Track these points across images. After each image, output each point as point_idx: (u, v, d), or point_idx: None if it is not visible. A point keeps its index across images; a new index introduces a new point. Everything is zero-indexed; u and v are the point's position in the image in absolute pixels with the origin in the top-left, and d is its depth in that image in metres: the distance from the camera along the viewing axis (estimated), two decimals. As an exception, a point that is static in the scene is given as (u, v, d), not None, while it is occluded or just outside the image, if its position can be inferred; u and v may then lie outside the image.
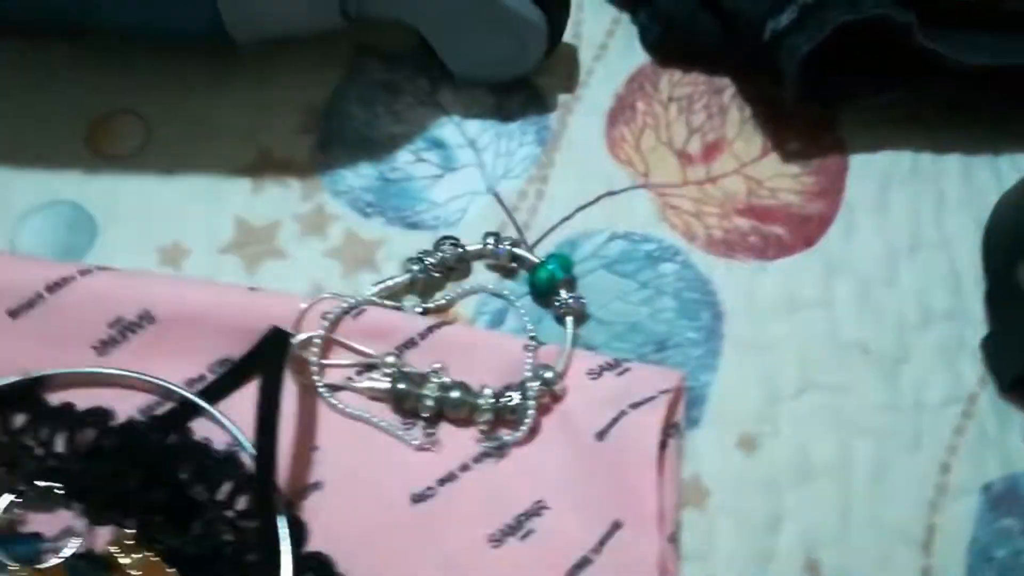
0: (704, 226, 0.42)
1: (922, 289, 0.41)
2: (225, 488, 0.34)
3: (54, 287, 0.35)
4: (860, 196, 0.43)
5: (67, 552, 0.32)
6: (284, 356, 0.34)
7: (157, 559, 0.32)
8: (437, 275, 0.39)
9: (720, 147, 0.44)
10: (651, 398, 0.35)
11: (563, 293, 0.39)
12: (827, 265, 0.42)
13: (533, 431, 0.36)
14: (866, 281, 0.41)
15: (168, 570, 0.32)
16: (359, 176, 0.41)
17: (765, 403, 0.39)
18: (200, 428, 0.35)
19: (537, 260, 0.39)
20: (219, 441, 0.35)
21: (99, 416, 0.34)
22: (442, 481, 0.35)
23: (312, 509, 0.34)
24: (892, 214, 0.43)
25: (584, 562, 0.33)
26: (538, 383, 0.36)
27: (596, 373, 0.37)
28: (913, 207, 0.43)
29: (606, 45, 0.46)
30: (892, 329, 0.41)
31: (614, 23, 0.47)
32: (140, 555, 0.32)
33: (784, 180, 0.43)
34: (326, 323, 0.37)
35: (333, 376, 0.37)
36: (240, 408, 0.34)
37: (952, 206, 0.43)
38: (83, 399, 0.35)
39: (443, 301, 0.39)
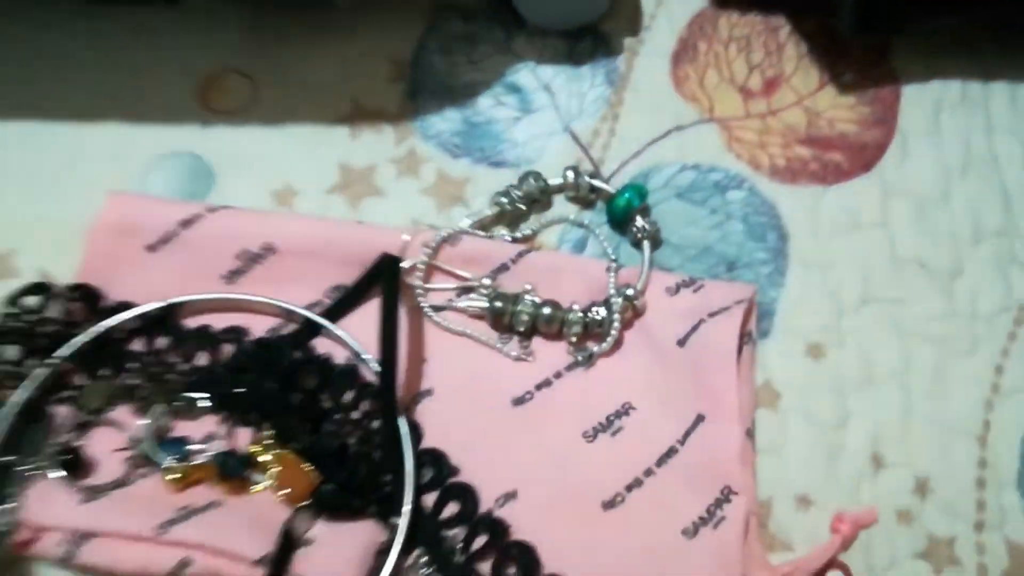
0: (768, 155, 0.45)
1: (974, 207, 0.44)
2: (348, 396, 0.38)
3: (186, 223, 0.40)
4: (913, 123, 0.46)
5: (213, 451, 0.36)
6: (398, 278, 0.38)
7: (293, 456, 0.36)
8: (522, 207, 0.43)
9: (779, 82, 0.47)
10: (727, 308, 0.38)
11: (639, 220, 0.42)
12: (884, 188, 0.45)
13: (618, 343, 0.40)
14: (921, 202, 0.44)
15: (303, 465, 0.36)
16: (446, 120, 0.45)
17: (830, 315, 0.42)
18: (320, 346, 0.39)
19: (613, 191, 0.43)
20: (338, 356, 0.39)
21: (236, 334, 0.38)
22: (538, 387, 0.39)
23: (424, 413, 0.38)
24: (944, 138, 0.46)
25: (671, 452, 0.37)
26: (621, 299, 0.39)
27: (673, 290, 0.40)
28: (963, 131, 0.46)
29: (667, -8, 0.49)
30: (946, 245, 0.43)
31: (672, -27, 0.50)
32: (278, 452, 0.36)
33: (841, 111, 0.46)
34: (428, 251, 0.40)
35: (436, 298, 0.40)
36: (355, 327, 0.38)
37: (1000, 129, 0.46)
38: (216, 323, 0.39)
39: (529, 231, 0.43)
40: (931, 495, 0.39)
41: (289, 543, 0.34)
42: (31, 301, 0.38)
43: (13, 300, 0.38)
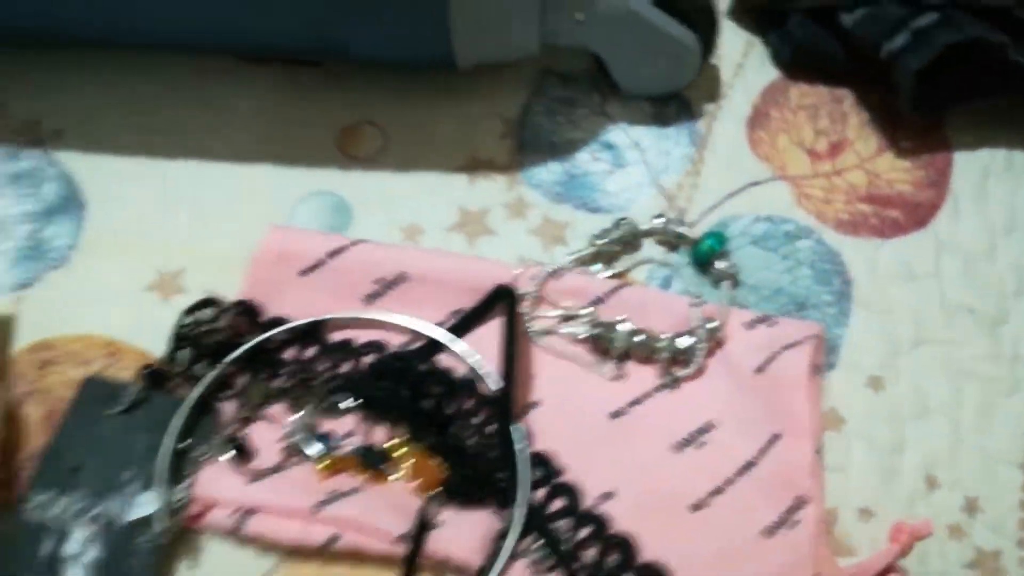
0: (833, 210, 0.51)
1: (1017, 263, 0.50)
2: (468, 403, 0.44)
3: (334, 253, 0.46)
4: (963, 186, 0.52)
5: (354, 446, 0.43)
6: (516, 303, 0.44)
7: (423, 452, 0.43)
8: (616, 248, 0.49)
9: (843, 146, 0.53)
10: (799, 342, 0.44)
11: (719, 263, 0.48)
12: (936, 243, 0.50)
13: (700, 369, 0.45)
14: (970, 256, 0.50)
15: (431, 460, 0.42)
16: (549, 172, 0.52)
17: (887, 354, 0.47)
18: (442, 360, 0.45)
19: (696, 237, 0.49)
20: (457, 370, 0.45)
21: (376, 347, 0.45)
22: (631, 404, 0.44)
23: (532, 421, 0.44)
24: (990, 201, 0.51)
25: (749, 465, 0.42)
26: (704, 331, 0.45)
27: (750, 324, 0.46)
28: (1008, 195, 0.51)
29: (742, 64, 0.56)
30: (992, 295, 0.49)
31: (748, 45, 0.57)
32: (410, 448, 0.43)
33: (898, 173, 0.52)
34: (534, 283, 0.47)
35: (541, 324, 0.46)
36: (472, 346, 0.45)
37: (1043, 194, 0.51)
38: (356, 337, 0.46)
39: (622, 269, 0.49)
40: (979, 513, 0.44)
41: (425, 523, 0.40)
42: (205, 314, 0.45)
43: (190, 311, 0.45)
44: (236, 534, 0.41)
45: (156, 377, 0.44)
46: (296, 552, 0.42)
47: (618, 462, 0.43)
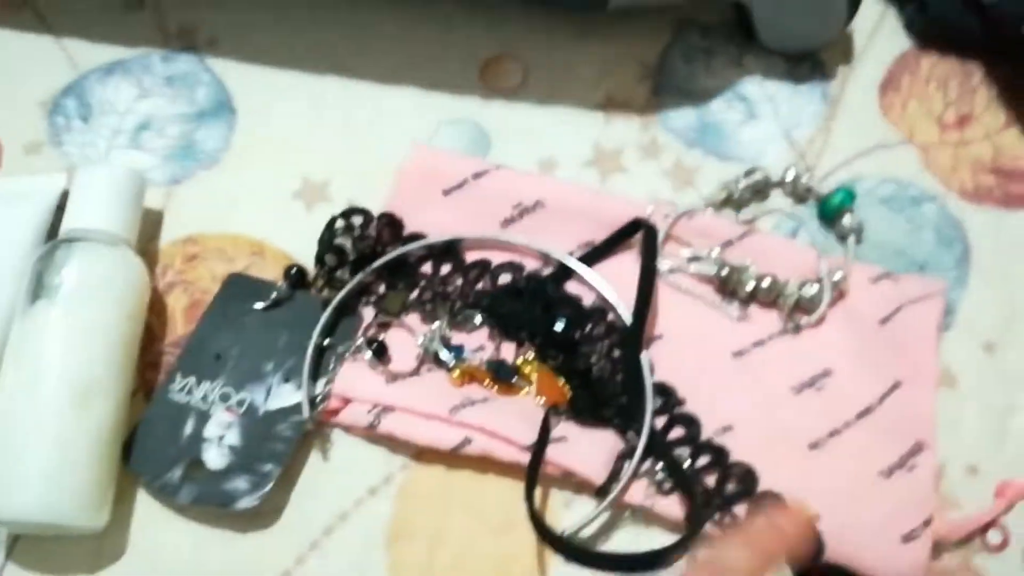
0: (958, 179, 0.52)
1: None
2: (596, 330, 0.46)
3: (477, 175, 0.48)
4: (1090, 166, 0.52)
5: (485, 358, 0.45)
6: (656, 237, 0.46)
7: (550, 371, 0.44)
8: (746, 196, 0.50)
9: (970, 118, 0.54)
10: (926, 296, 0.45)
11: (847, 218, 0.49)
12: (1059, 218, 0.51)
13: (822, 318, 0.47)
14: (1092, 232, 0.51)
15: (557, 379, 0.44)
16: (683, 117, 0.53)
17: (1003, 320, 0.48)
18: (572, 288, 0.47)
19: (825, 192, 0.50)
20: (585, 298, 0.47)
21: (511, 267, 0.47)
22: (754, 344, 0.46)
23: (656, 353, 0.45)
24: (1117, 180, 0.52)
25: (867, 411, 0.44)
26: (830, 281, 0.47)
27: (876, 279, 0.47)
28: None
29: (876, 31, 0.57)
30: (1111, 269, 0.50)
31: (881, 15, 0.57)
32: (539, 366, 0.45)
33: (1023, 149, 0.53)
34: (666, 222, 0.48)
35: (670, 262, 0.48)
36: (602, 276, 0.46)
37: None
38: (491, 258, 0.47)
39: (750, 216, 0.50)
40: (1085, 480, 0.45)
41: (546, 432, 0.42)
42: (354, 222, 0.47)
43: (341, 217, 0.47)
44: (372, 431, 0.43)
45: (300, 278, 0.47)
46: (424, 455, 0.44)
47: (738, 399, 0.44)
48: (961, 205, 0.51)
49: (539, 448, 0.42)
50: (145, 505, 0.43)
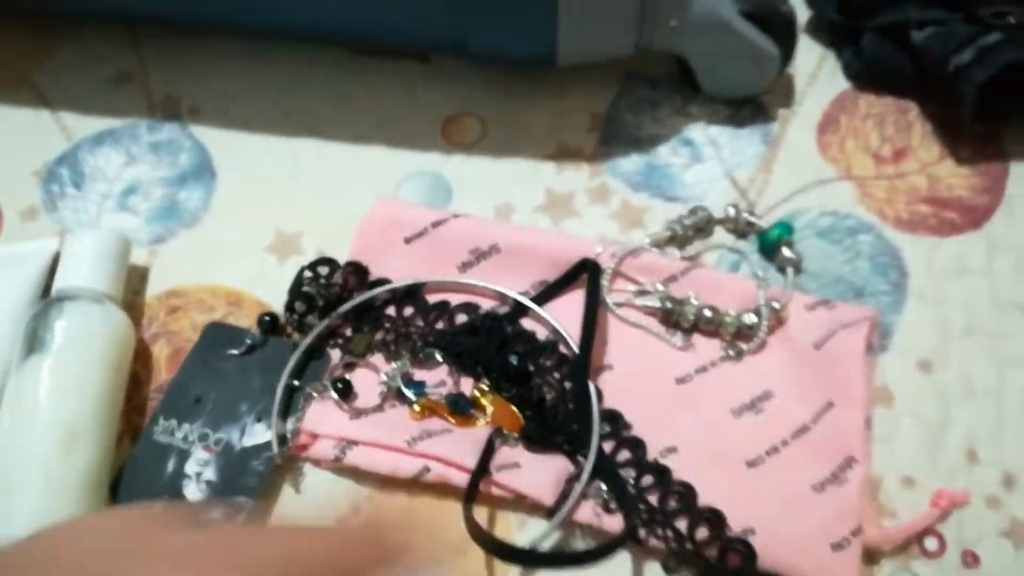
0: (893, 209, 0.55)
1: (1069, 265, 0.53)
2: (547, 362, 0.49)
3: (436, 224, 0.52)
4: (1018, 192, 0.55)
5: (445, 392, 0.48)
6: (599, 274, 0.49)
7: (505, 401, 0.48)
8: (690, 233, 0.54)
9: (906, 153, 0.57)
10: (856, 322, 0.48)
11: (785, 250, 0.52)
12: (990, 243, 0.54)
13: (762, 344, 0.50)
14: (1021, 256, 0.53)
15: (512, 408, 0.47)
16: (630, 163, 0.57)
17: (939, 340, 0.51)
18: (527, 324, 0.50)
19: (765, 227, 0.53)
20: (539, 333, 0.50)
21: (468, 308, 0.50)
22: (697, 371, 0.49)
23: (604, 382, 0.48)
24: (1046, 207, 0.55)
25: (803, 429, 0.46)
26: (769, 310, 0.50)
27: (811, 307, 0.50)
28: (1063, 202, 0.55)
29: (816, 74, 0.60)
30: (1043, 294, 0.52)
31: (821, 58, 0.61)
32: (494, 397, 0.48)
33: (957, 179, 0.56)
34: (613, 260, 0.52)
35: (617, 297, 0.51)
36: (554, 312, 0.50)
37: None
38: (451, 300, 0.51)
39: (694, 252, 0.53)
40: (1017, 488, 0.47)
41: (490, 450, 0.45)
42: (322, 270, 0.51)
43: (309, 268, 0.51)
44: (338, 464, 0.46)
45: (272, 325, 0.50)
46: (388, 483, 0.47)
47: (681, 422, 0.47)
48: (896, 234, 0.54)
49: (481, 463, 0.44)
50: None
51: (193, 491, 0.46)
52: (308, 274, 0.50)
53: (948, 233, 0.54)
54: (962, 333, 0.51)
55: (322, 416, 0.47)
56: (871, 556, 0.45)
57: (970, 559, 0.45)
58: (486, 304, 0.51)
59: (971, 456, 0.48)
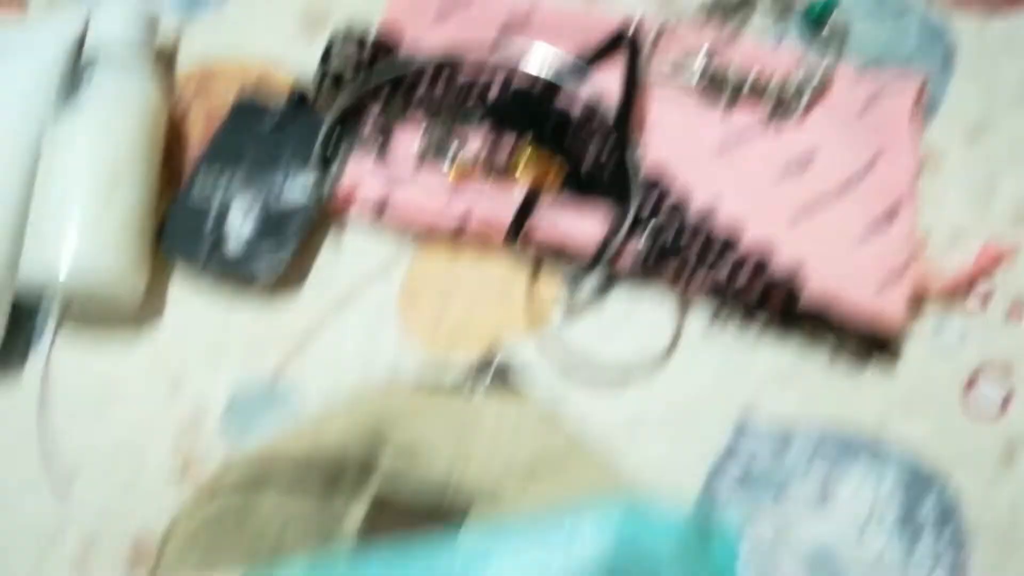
0: (942, -14, 0.53)
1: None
2: (588, 126, 0.48)
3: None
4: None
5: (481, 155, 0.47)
6: (639, 44, 0.48)
7: (544, 156, 0.47)
8: (733, 2, 0.52)
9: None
10: (904, 87, 0.47)
11: (830, 23, 0.51)
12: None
13: (807, 111, 0.48)
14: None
15: (551, 164, 0.46)
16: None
17: (986, 111, 0.50)
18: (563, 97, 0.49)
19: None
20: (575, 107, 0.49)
21: (506, 80, 0.49)
22: (739, 139, 0.48)
23: (644, 150, 0.48)
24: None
25: (851, 180, 0.45)
26: (813, 77, 0.48)
27: (857, 74, 0.49)
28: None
29: None
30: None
31: None
32: (532, 151, 0.47)
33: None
34: (653, 31, 0.50)
35: (657, 68, 0.50)
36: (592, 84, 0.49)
37: None
38: (484, 74, 0.50)
39: (738, 23, 0.52)
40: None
41: (531, 198, 0.45)
42: (351, 42, 0.49)
43: (342, 40, 0.49)
44: (376, 219, 0.46)
45: (302, 99, 0.49)
46: (426, 244, 0.47)
47: (723, 182, 0.46)
48: (945, 11, 0.52)
49: (521, 211, 0.44)
50: (178, 288, 0.47)
51: (233, 247, 0.46)
52: (337, 49, 0.49)
53: (999, 9, 0.52)
54: (1010, 103, 0.50)
55: (360, 173, 0.47)
56: (918, 302, 0.44)
57: (1016, 312, 0.45)
58: (520, 78, 0.50)
59: (1018, 217, 0.47)
